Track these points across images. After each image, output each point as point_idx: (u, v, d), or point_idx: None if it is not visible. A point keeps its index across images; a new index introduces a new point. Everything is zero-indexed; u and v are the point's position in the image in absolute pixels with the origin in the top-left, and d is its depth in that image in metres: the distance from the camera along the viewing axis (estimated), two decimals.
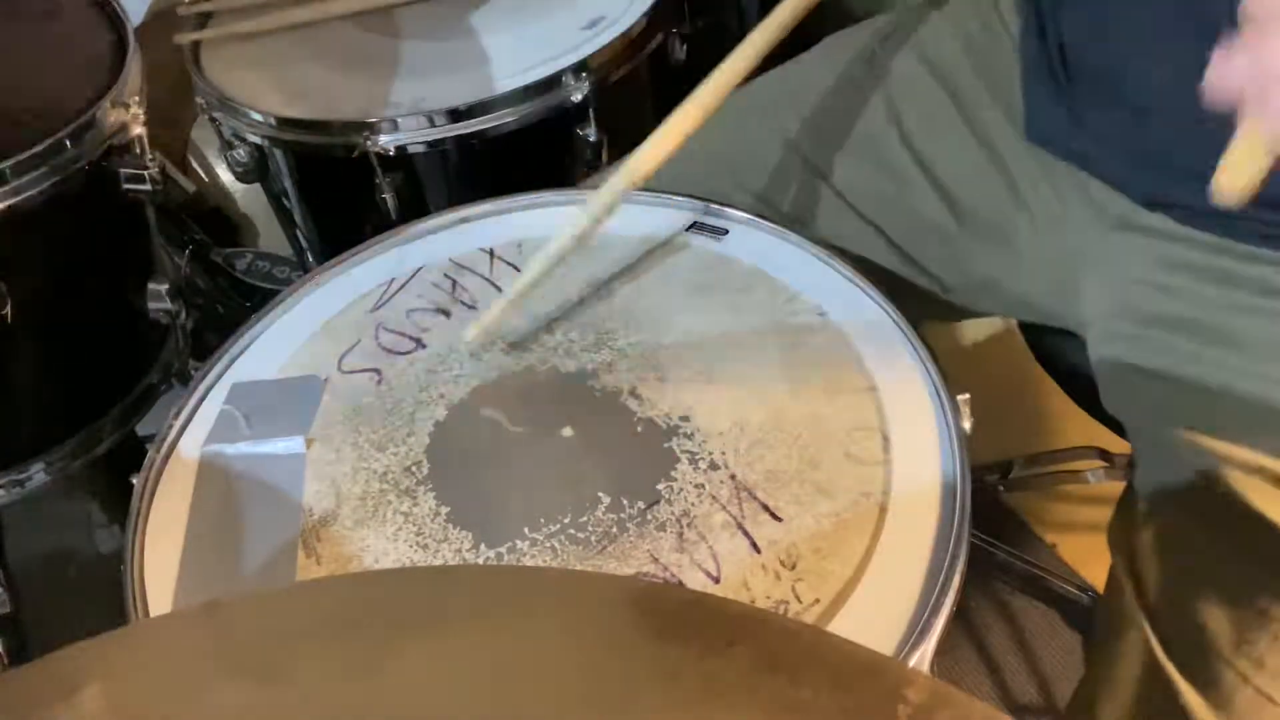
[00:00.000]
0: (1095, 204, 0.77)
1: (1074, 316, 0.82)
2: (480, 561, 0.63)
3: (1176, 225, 0.73)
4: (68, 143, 0.84)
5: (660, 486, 0.66)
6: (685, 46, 1.13)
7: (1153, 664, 0.73)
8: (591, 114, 1.02)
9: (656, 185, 0.81)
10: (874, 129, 0.85)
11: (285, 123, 1.02)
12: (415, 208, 1.00)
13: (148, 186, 0.91)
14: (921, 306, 0.72)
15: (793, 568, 0.61)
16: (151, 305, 0.99)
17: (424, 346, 0.77)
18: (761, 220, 0.82)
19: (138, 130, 0.90)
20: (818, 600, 0.60)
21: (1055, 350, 0.92)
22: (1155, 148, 0.72)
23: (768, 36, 0.75)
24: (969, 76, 0.84)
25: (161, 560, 0.65)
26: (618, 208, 0.76)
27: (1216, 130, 0.68)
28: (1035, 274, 0.83)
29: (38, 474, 0.95)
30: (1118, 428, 0.85)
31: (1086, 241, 0.78)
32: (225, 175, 1.37)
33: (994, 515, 1.37)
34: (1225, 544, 0.70)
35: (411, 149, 1.00)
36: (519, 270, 0.81)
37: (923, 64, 0.85)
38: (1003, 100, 0.82)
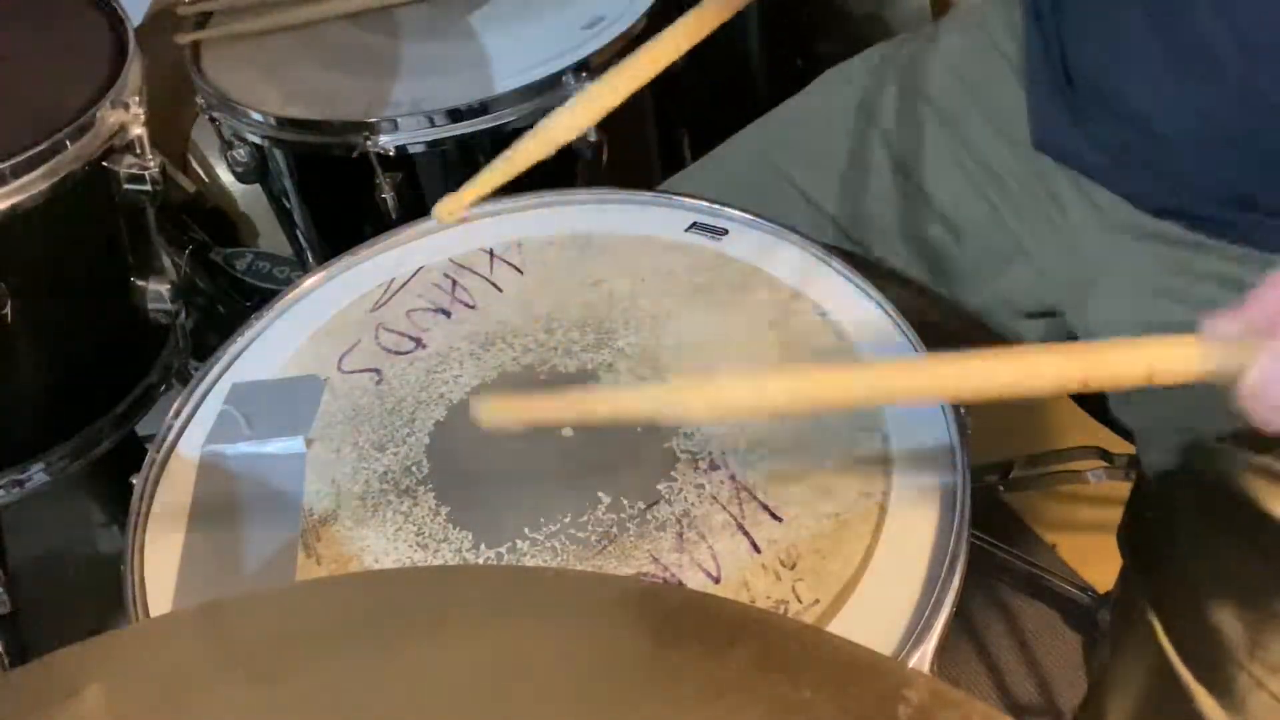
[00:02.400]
0: (1103, 212, 0.76)
1: (1082, 325, 0.81)
2: (480, 561, 0.63)
3: (1186, 232, 0.72)
4: (68, 143, 0.84)
5: (660, 486, 0.66)
6: None
7: (1165, 667, 0.72)
8: None
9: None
10: (870, 161, 0.86)
11: (285, 123, 1.02)
12: (415, 208, 1.00)
13: (148, 186, 0.91)
14: (935, 339, 0.72)
15: (793, 568, 0.61)
16: (151, 305, 0.99)
17: (424, 346, 0.77)
18: (761, 220, 0.82)
19: (138, 130, 0.90)
20: (818, 600, 0.60)
21: None
22: (1160, 160, 0.71)
23: None
24: (960, 99, 0.84)
25: (161, 560, 0.65)
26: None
27: (1218, 143, 0.68)
28: (1042, 287, 0.82)
29: (38, 474, 0.95)
30: (1121, 430, 0.85)
31: (1095, 249, 0.78)
32: (225, 175, 1.37)
33: (994, 515, 1.36)
34: (1239, 548, 0.70)
35: (411, 149, 1.00)
36: (520, 271, 0.81)
37: (913, 93, 0.86)
38: (996, 119, 0.82)
